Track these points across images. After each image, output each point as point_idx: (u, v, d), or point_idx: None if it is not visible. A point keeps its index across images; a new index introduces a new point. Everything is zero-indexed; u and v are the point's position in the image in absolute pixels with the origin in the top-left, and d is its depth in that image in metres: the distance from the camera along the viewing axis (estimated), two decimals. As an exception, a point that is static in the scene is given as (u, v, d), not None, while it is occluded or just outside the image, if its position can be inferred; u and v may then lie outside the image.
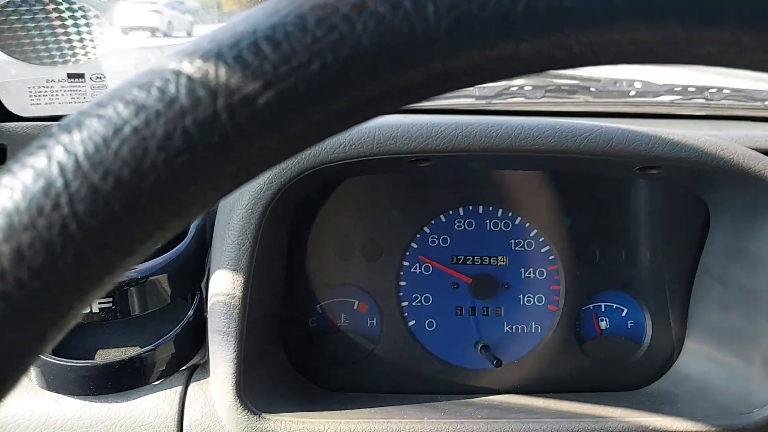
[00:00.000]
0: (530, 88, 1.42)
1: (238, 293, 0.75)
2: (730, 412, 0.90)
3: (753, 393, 0.90)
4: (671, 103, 1.63)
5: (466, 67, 0.27)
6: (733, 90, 1.64)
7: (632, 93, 1.67)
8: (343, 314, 1.08)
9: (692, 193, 0.97)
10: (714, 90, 1.61)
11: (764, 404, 0.87)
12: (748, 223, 0.89)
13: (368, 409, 0.89)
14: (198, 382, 0.89)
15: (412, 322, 1.07)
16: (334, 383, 1.02)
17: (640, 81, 1.57)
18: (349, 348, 1.05)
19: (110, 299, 0.79)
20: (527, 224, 1.10)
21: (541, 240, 1.10)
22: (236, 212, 0.74)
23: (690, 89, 1.60)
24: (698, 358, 1.03)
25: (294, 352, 1.01)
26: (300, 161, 0.72)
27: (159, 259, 0.87)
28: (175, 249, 0.90)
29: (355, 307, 1.08)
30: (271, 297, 0.93)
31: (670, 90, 1.59)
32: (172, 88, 0.23)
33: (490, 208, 1.10)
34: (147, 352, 0.86)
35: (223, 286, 0.76)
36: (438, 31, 0.26)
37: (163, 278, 0.86)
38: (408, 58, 0.25)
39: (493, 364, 0.97)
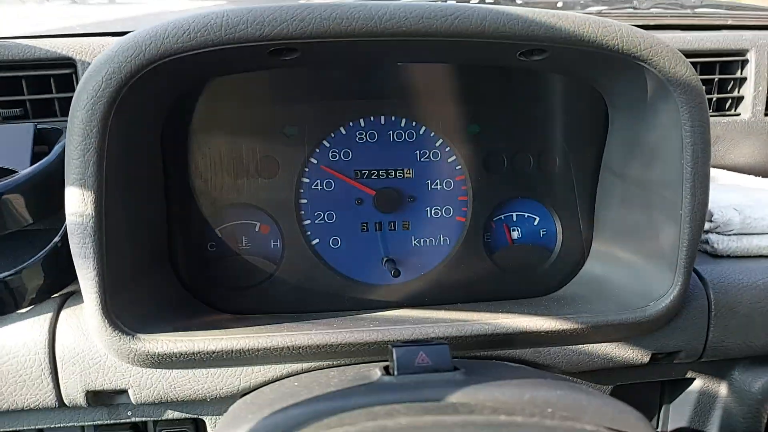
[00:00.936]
0: None
1: (90, 209, 0.69)
2: (628, 307, 0.89)
3: (650, 287, 0.89)
4: (598, 14, 1.57)
5: None
6: (661, -4, 1.58)
7: (559, 4, 1.60)
8: (244, 237, 1.02)
9: (591, 87, 0.93)
10: (642, -2, 1.55)
11: (659, 297, 0.86)
12: (641, 113, 0.85)
13: (258, 327, 0.85)
14: (73, 307, 0.83)
15: (316, 241, 1.03)
16: (229, 306, 0.98)
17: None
18: (250, 271, 1.01)
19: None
20: (432, 134, 1.05)
21: (447, 150, 1.05)
22: (76, 115, 0.67)
23: (617, -2, 1.54)
24: (603, 259, 1.02)
25: (189, 275, 0.96)
26: (138, 54, 0.65)
27: (17, 175, 0.80)
28: (34, 166, 0.83)
29: (257, 228, 1.03)
30: (146, 216, 0.87)
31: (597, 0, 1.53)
32: None
33: (393, 118, 1.04)
34: (10, 276, 0.80)
35: (74, 202, 0.69)
36: None
37: (17, 197, 0.80)
38: None
39: (391, 273, 0.94)
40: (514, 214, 1.09)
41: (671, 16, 1.65)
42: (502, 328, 0.84)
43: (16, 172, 0.88)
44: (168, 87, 0.79)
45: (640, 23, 1.56)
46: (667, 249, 0.86)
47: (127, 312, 0.77)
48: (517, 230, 1.09)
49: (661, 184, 0.85)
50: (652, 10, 1.63)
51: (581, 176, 1.06)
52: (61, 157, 0.85)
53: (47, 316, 0.81)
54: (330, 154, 1.03)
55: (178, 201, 0.96)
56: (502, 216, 1.08)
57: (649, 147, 0.86)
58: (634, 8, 1.61)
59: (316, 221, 1.03)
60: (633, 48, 0.74)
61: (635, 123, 0.88)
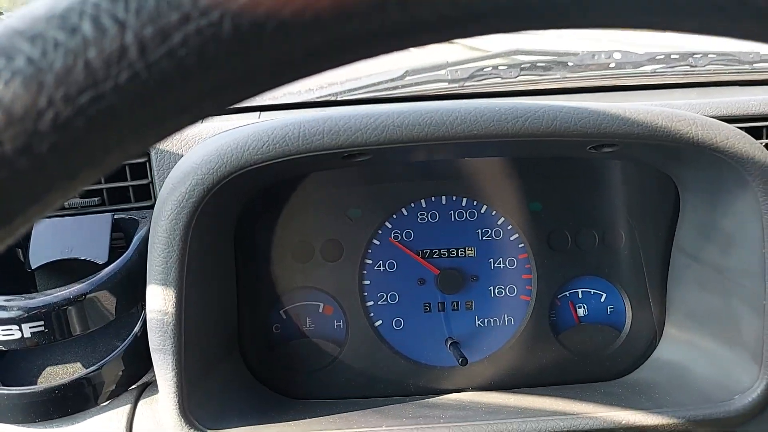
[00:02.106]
0: (505, 67, 1.37)
1: (171, 308, 0.71)
2: (710, 399, 0.85)
3: (733, 378, 0.84)
4: (653, 73, 1.56)
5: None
6: (718, 54, 1.56)
7: (612, 65, 1.59)
8: (308, 318, 1.03)
9: (659, 170, 0.91)
10: (698, 55, 1.54)
11: (745, 390, 0.82)
12: (716, 198, 0.83)
13: (328, 417, 0.85)
14: (148, 399, 0.85)
15: (379, 322, 1.03)
16: (298, 392, 0.98)
17: (620, 51, 1.50)
18: (314, 353, 1.01)
19: (41, 322, 0.76)
20: (494, 212, 1.05)
21: (509, 228, 1.05)
22: (160, 224, 0.70)
23: (673, 56, 1.53)
24: (678, 344, 0.98)
25: (255, 361, 0.98)
26: (220, 166, 0.68)
27: (97, 276, 0.83)
28: (115, 263, 0.86)
29: (321, 310, 1.04)
30: (221, 307, 0.90)
31: (651, 59, 1.52)
32: (74, 17, 0.20)
33: (454, 198, 1.05)
34: (92, 372, 0.83)
35: (155, 301, 0.72)
36: None
37: (103, 295, 0.83)
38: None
39: (458, 362, 0.93)
40: (580, 290, 1.06)
41: (728, 73, 1.62)
42: (579, 422, 0.81)
43: (95, 263, 0.92)
44: (243, 190, 0.82)
45: (698, 80, 1.54)
46: (749, 339, 0.82)
47: (201, 408, 0.78)
48: (584, 307, 1.06)
49: (740, 272, 0.82)
50: (708, 67, 1.61)
51: (650, 254, 1.03)
52: (140, 250, 0.89)
53: (125, 410, 0.83)
54: (392, 235, 1.04)
55: (247, 287, 0.98)
56: (567, 293, 1.06)
57: (725, 233, 0.84)
58: (691, 66, 1.59)
59: (379, 302, 1.03)
60: (708, 140, 0.72)
61: (709, 208, 0.86)
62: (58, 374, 0.88)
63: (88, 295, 0.80)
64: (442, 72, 1.38)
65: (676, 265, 0.97)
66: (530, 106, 0.70)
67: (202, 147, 0.72)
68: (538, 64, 1.43)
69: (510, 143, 0.75)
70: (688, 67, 1.64)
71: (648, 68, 1.63)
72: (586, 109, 0.70)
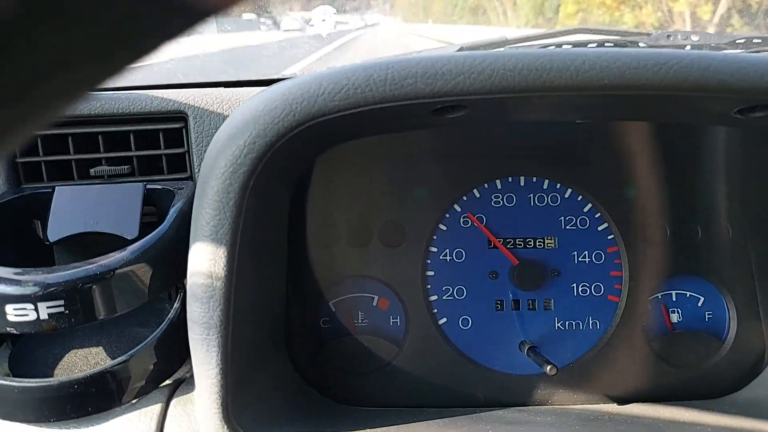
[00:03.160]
0: (569, 46, 1.23)
1: (219, 290, 0.58)
2: None
3: None
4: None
5: None
6: (801, 37, 1.41)
7: (688, 47, 1.45)
8: (360, 312, 0.90)
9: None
10: (782, 39, 1.39)
11: None
12: None
13: (383, 429, 0.71)
14: (182, 397, 0.72)
15: (443, 320, 0.89)
16: (350, 396, 0.84)
17: (698, 33, 1.36)
18: (368, 353, 0.88)
19: (61, 302, 0.63)
20: (579, 198, 0.91)
21: (597, 216, 0.90)
22: (210, 184, 0.57)
23: (755, 41, 1.38)
24: (803, 357, 0.83)
25: (302, 359, 0.84)
26: (288, 113, 0.55)
27: (128, 250, 0.70)
28: (149, 236, 0.73)
29: (375, 303, 0.90)
30: (269, 294, 0.76)
31: (731, 42, 1.37)
32: None
33: (534, 179, 0.91)
34: (118, 365, 0.70)
35: (200, 282, 0.59)
36: None
37: (134, 272, 0.70)
38: None
39: (545, 370, 0.78)
40: (674, 292, 0.92)
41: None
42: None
43: (123, 239, 0.80)
44: (306, 150, 0.69)
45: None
46: None
47: (246, 411, 0.65)
48: (677, 312, 0.92)
49: None
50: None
51: (762, 251, 0.88)
52: (177, 224, 0.76)
53: (155, 412, 0.70)
54: (461, 220, 0.90)
55: (296, 273, 0.85)
56: (660, 295, 0.91)
57: None
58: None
59: (444, 297, 0.90)
60: None
61: None
62: (77, 366, 0.75)
63: (117, 272, 0.67)
64: (501, 50, 1.25)
65: (803, 265, 0.82)
66: (675, 52, 0.56)
67: (265, 94, 0.58)
68: (607, 44, 1.29)
69: (640, 103, 0.61)
70: (773, 51, 1.49)
71: (729, 52, 1.48)
72: (745, 59, 0.56)
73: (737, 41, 1.38)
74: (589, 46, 1.22)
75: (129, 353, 0.70)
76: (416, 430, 0.75)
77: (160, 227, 0.74)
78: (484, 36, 1.47)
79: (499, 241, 0.90)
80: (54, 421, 0.67)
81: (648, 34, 1.33)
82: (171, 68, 1.24)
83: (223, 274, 0.58)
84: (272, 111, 0.55)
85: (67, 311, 0.63)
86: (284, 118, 0.55)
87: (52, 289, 0.63)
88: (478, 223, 0.89)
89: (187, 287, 0.60)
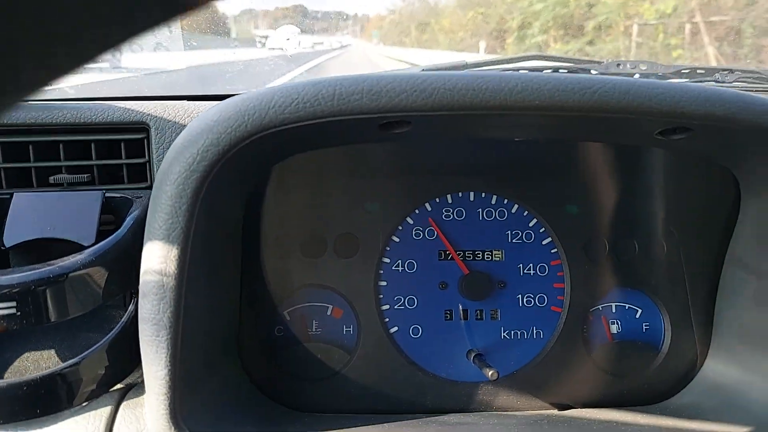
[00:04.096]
0: (526, 71, 1.30)
1: (169, 293, 0.60)
2: (772, 427, 0.75)
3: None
4: (678, 88, 1.50)
5: None
6: (744, 71, 1.51)
7: (636, 75, 1.53)
8: (314, 321, 0.92)
9: (719, 167, 0.83)
10: (725, 72, 1.48)
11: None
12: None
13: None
14: (133, 400, 0.73)
15: (394, 329, 0.92)
16: (302, 402, 0.86)
17: (646, 63, 1.44)
18: (320, 360, 0.90)
19: (13, 303, 0.64)
20: (525, 212, 0.96)
21: (541, 231, 0.95)
22: (164, 189, 0.59)
23: (699, 71, 1.47)
24: (728, 365, 0.88)
25: (254, 365, 0.86)
26: (240, 124, 0.58)
27: (83, 253, 0.72)
28: (104, 241, 0.75)
29: (329, 312, 0.93)
30: (222, 300, 0.78)
31: (677, 72, 1.46)
32: None
33: (483, 195, 0.95)
34: (69, 367, 0.70)
35: (152, 285, 0.61)
36: None
37: (87, 276, 0.71)
38: None
39: (488, 376, 0.82)
40: (613, 304, 0.97)
41: (754, 90, 1.57)
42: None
43: (80, 244, 0.81)
44: (259, 159, 0.72)
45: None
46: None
47: (194, 415, 0.67)
48: (617, 323, 0.97)
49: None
50: (735, 83, 1.56)
51: (694, 266, 0.94)
52: (133, 231, 0.78)
53: (104, 415, 0.71)
54: (413, 233, 0.94)
55: (249, 282, 0.87)
56: (600, 306, 0.96)
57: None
58: (717, 82, 1.54)
59: (396, 307, 0.93)
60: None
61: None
62: (28, 369, 0.75)
63: (70, 275, 0.69)
64: (449, 72, 1.31)
65: (729, 279, 0.88)
66: (601, 78, 0.61)
67: (220, 106, 0.61)
68: (561, 71, 1.36)
69: (565, 123, 0.66)
70: (714, 83, 1.59)
71: (675, 81, 1.57)
72: (662, 86, 0.61)
73: (682, 71, 1.48)
74: (544, 71, 1.29)
75: (80, 356, 0.71)
76: (363, 435, 0.77)
77: (116, 233, 0.76)
78: (448, 59, 1.52)
79: (449, 254, 0.94)
80: (1, 423, 0.67)
81: (599, 62, 1.41)
82: (135, 83, 1.26)
83: (174, 274, 0.60)
84: (225, 121, 0.59)
85: (18, 312, 0.65)
86: (237, 128, 0.58)
87: (5, 290, 0.64)
88: (438, 230, 0.92)
89: (140, 286, 0.62)
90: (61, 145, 0.95)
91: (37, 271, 0.67)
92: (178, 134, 0.92)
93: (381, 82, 0.59)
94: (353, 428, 0.79)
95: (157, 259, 0.60)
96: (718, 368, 0.90)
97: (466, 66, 1.31)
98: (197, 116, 0.67)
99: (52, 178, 0.93)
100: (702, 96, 0.61)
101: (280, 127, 0.58)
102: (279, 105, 0.58)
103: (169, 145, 0.92)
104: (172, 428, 0.63)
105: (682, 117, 0.61)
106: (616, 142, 0.82)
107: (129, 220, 0.79)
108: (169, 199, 0.59)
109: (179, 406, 0.64)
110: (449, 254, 0.94)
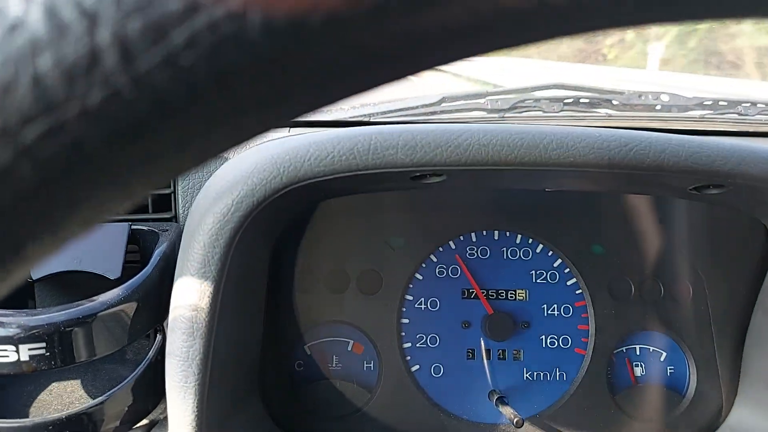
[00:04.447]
0: (547, 100, 1.30)
1: (199, 338, 0.60)
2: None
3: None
4: (701, 118, 1.49)
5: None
6: (767, 104, 1.49)
7: (658, 107, 1.52)
8: (335, 357, 0.92)
9: (749, 216, 0.82)
10: (747, 104, 1.47)
11: None
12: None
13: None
14: (156, 442, 0.73)
15: (416, 367, 0.92)
16: (323, 441, 0.86)
17: (667, 94, 1.43)
18: (340, 397, 0.90)
19: (43, 344, 0.64)
20: (550, 252, 0.95)
21: (566, 271, 0.95)
22: (197, 238, 0.60)
23: (721, 103, 1.46)
24: (757, 414, 0.87)
25: (275, 403, 0.86)
26: (276, 176, 0.58)
27: (112, 293, 0.72)
28: (132, 280, 0.75)
29: (350, 348, 0.92)
30: (246, 341, 0.78)
31: (699, 104, 1.45)
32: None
33: (507, 234, 0.95)
34: (94, 406, 0.71)
35: (182, 328, 0.61)
36: None
37: (116, 316, 0.71)
38: None
39: (513, 422, 0.81)
40: (638, 347, 0.96)
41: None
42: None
43: (104, 278, 0.81)
44: (289, 208, 0.72)
45: (746, 129, 1.47)
46: None
47: (219, 458, 0.67)
48: (641, 366, 0.95)
49: None
50: (757, 117, 1.54)
51: (720, 310, 0.93)
52: (161, 267, 0.78)
53: (127, 455, 0.71)
54: (437, 271, 0.94)
55: (272, 318, 0.87)
56: (624, 349, 0.95)
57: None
58: (740, 114, 1.52)
59: (418, 344, 0.92)
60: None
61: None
62: (52, 405, 0.76)
63: (99, 314, 0.69)
64: (482, 101, 1.31)
65: (758, 327, 0.87)
66: (635, 134, 0.61)
67: (254, 153, 0.62)
68: (582, 101, 1.36)
69: (603, 177, 0.66)
70: (737, 115, 1.57)
71: (695, 113, 1.56)
72: (697, 143, 0.61)
73: (704, 102, 1.46)
74: (565, 101, 1.28)
75: (107, 394, 0.71)
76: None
77: (143, 270, 0.76)
78: (466, 88, 1.52)
79: (472, 293, 0.93)
80: (26, 462, 0.68)
81: (621, 93, 1.40)
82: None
83: (202, 335, 0.60)
84: (261, 173, 0.59)
85: (48, 353, 0.65)
86: (272, 180, 0.58)
87: (35, 331, 0.65)
88: (465, 267, 0.92)
89: (167, 343, 0.62)
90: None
91: (66, 312, 0.67)
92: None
93: (417, 136, 0.59)
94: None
95: (188, 306, 0.60)
96: (745, 418, 0.88)
97: (487, 94, 1.31)
98: (229, 162, 0.68)
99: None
100: (738, 155, 0.60)
101: (314, 179, 0.58)
102: (315, 158, 0.58)
103: (195, 175, 0.92)
104: (197, 473, 0.63)
105: (717, 176, 0.60)
106: (651, 194, 0.81)
107: (156, 256, 0.79)
108: (203, 248, 0.59)
109: (205, 451, 0.63)
110: (473, 293, 0.94)
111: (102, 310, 0.69)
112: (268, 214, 0.65)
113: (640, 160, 0.60)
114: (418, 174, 0.62)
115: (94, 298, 0.70)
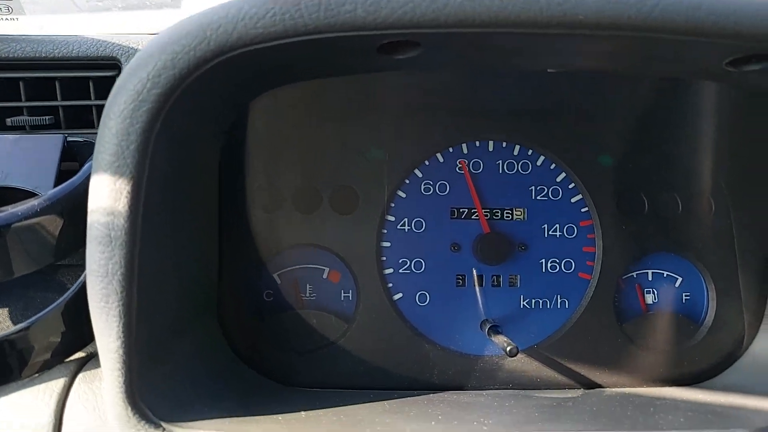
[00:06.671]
0: None
1: (119, 249, 0.49)
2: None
3: None
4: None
5: None
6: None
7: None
8: (308, 285, 0.82)
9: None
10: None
11: None
12: None
13: (327, 411, 0.64)
14: (90, 372, 0.63)
15: (398, 296, 0.81)
16: (290, 376, 0.77)
17: None
18: (313, 329, 0.80)
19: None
20: (552, 165, 0.83)
21: (570, 186, 0.83)
22: (108, 124, 0.48)
23: None
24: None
25: (236, 334, 0.76)
26: (201, 42, 0.45)
27: (26, 203, 0.61)
28: (57, 188, 0.64)
29: (325, 275, 0.82)
30: (193, 254, 0.67)
31: None
32: None
33: (504, 144, 0.83)
34: (17, 332, 0.61)
35: (98, 237, 0.50)
36: None
37: (37, 227, 0.60)
38: None
39: (506, 351, 0.71)
40: (650, 272, 0.85)
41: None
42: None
43: (37, 194, 0.70)
44: (233, 91, 0.59)
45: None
46: None
47: (158, 393, 0.57)
48: (653, 293, 0.85)
49: None
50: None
51: (746, 228, 0.82)
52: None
53: (56, 389, 0.61)
54: (422, 187, 0.82)
55: (233, 239, 0.76)
56: (635, 273, 0.84)
57: None
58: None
59: (400, 270, 0.82)
60: None
61: None
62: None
63: (14, 225, 0.58)
64: None
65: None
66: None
67: (180, 21, 0.49)
68: None
69: (613, 48, 0.53)
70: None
71: None
72: (737, 1, 0.48)
73: None
74: None
75: (30, 320, 0.61)
76: (361, 414, 0.67)
77: (72, 179, 0.65)
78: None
79: (463, 212, 0.82)
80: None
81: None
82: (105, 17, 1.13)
83: (120, 253, 0.48)
84: (182, 39, 0.46)
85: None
86: (196, 47, 0.46)
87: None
88: (469, 178, 0.80)
89: (87, 256, 0.51)
90: (21, 83, 0.84)
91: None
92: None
93: (382, -13, 0.46)
94: (349, 406, 0.69)
95: (102, 207, 0.49)
96: (772, 346, 0.78)
97: None
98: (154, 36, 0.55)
99: (9, 120, 0.82)
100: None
101: (251, 45, 0.46)
102: (250, 17, 0.45)
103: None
104: (129, 408, 0.53)
105: (762, 40, 0.47)
106: (672, 74, 0.68)
107: (87, 167, 0.68)
108: (114, 136, 0.47)
109: (137, 384, 0.53)
110: (463, 212, 0.82)
111: (16, 221, 0.58)
112: (207, 98, 0.52)
113: (669, 20, 0.47)
114: (386, 42, 0.49)
115: (5, 208, 0.59)
